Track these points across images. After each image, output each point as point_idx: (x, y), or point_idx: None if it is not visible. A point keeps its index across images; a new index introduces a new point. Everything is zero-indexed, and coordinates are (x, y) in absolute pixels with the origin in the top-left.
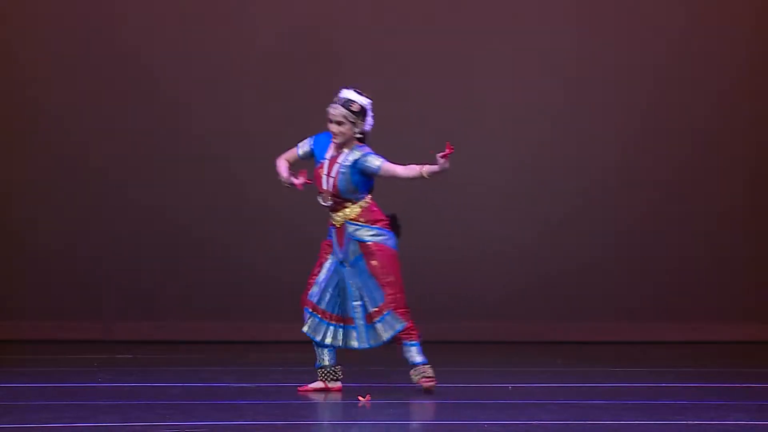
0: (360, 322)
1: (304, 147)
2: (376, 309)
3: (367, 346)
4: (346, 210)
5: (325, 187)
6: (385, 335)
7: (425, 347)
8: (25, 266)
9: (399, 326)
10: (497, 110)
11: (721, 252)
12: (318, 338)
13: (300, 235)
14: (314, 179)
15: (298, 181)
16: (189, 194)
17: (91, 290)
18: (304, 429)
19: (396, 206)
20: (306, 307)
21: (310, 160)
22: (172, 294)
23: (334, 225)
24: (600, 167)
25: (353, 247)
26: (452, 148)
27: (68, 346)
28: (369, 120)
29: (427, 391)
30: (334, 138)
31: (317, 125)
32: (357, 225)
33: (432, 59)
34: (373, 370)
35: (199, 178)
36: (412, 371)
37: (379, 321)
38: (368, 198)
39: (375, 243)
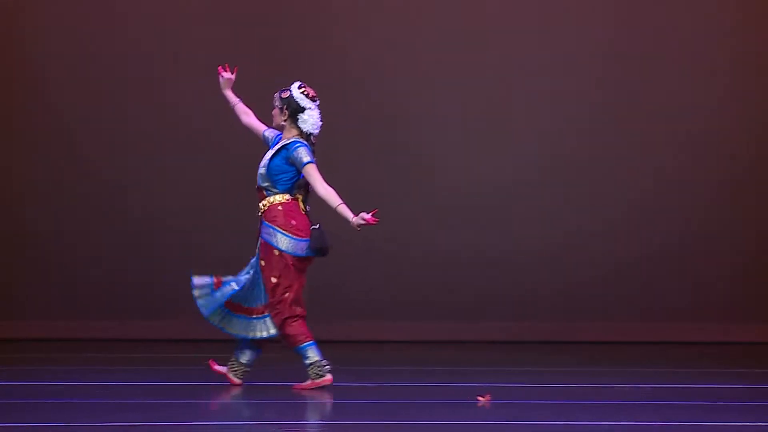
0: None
1: (266, 131)
2: (258, 308)
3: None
4: (263, 202)
5: (260, 168)
6: (260, 334)
7: (460, 346)
8: (44, 266)
9: (273, 332)
10: (524, 111)
11: (750, 253)
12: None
13: None
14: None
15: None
16: (199, 195)
17: (108, 289)
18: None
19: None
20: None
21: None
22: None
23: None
24: (626, 170)
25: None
26: (376, 220)
27: (88, 344)
28: (306, 119)
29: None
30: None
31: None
32: (263, 222)
33: (458, 58)
34: (427, 370)
35: (214, 180)
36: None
37: (260, 318)
38: (285, 197)
39: (264, 242)
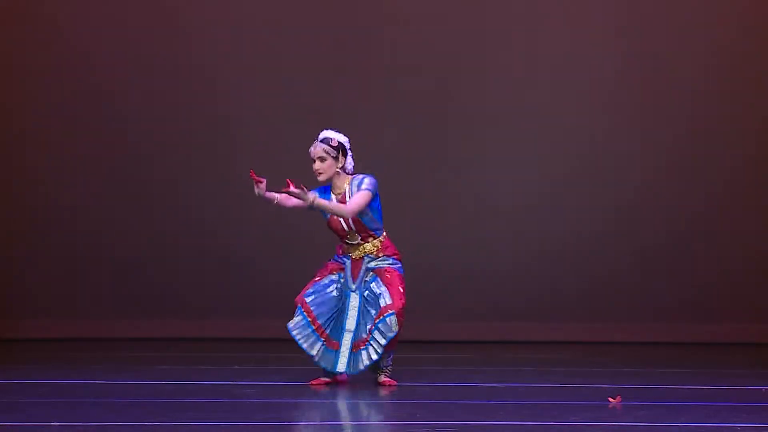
0: (345, 349)
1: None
2: (386, 306)
3: (348, 371)
4: (367, 246)
5: (347, 228)
6: (382, 342)
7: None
8: (56, 264)
9: (391, 335)
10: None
11: (751, 253)
12: (304, 345)
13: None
14: (330, 226)
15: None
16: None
17: (123, 288)
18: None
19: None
20: (299, 305)
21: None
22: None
23: (349, 256)
24: (630, 170)
25: (366, 275)
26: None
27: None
28: (349, 158)
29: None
30: (318, 176)
31: (316, 124)
32: (372, 257)
33: (480, 56)
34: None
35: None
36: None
37: (380, 322)
38: (384, 233)
39: (388, 267)
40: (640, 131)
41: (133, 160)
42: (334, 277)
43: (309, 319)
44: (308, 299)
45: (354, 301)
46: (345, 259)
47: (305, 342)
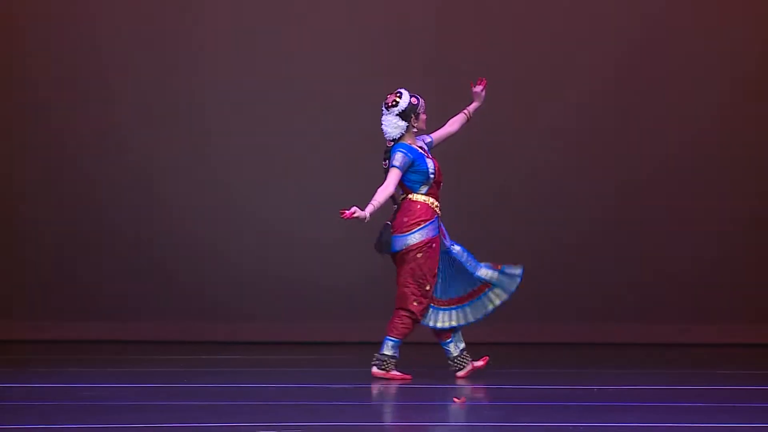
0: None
1: (403, 161)
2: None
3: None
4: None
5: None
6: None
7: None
8: (47, 267)
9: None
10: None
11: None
12: (430, 323)
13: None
14: (435, 173)
15: None
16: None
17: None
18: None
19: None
20: (431, 304)
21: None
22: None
23: (438, 215)
24: (634, 170)
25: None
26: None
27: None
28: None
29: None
30: (423, 127)
31: (306, 125)
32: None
33: (519, 58)
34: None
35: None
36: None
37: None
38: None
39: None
40: (639, 130)
41: (134, 162)
42: (438, 255)
43: (435, 305)
44: (435, 294)
45: (454, 251)
46: (436, 219)
47: (434, 322)
